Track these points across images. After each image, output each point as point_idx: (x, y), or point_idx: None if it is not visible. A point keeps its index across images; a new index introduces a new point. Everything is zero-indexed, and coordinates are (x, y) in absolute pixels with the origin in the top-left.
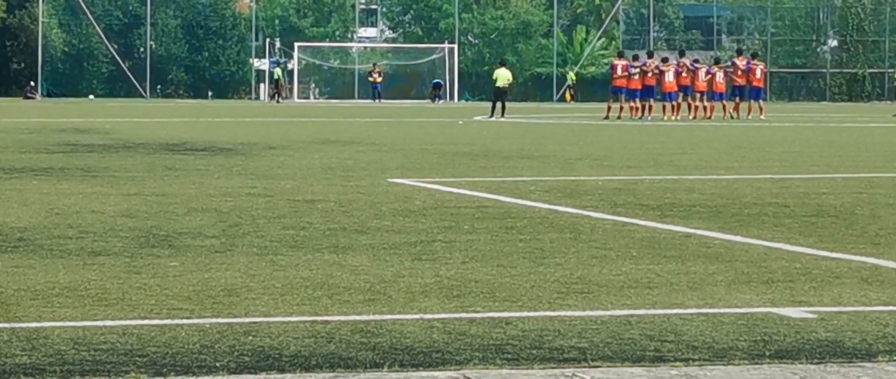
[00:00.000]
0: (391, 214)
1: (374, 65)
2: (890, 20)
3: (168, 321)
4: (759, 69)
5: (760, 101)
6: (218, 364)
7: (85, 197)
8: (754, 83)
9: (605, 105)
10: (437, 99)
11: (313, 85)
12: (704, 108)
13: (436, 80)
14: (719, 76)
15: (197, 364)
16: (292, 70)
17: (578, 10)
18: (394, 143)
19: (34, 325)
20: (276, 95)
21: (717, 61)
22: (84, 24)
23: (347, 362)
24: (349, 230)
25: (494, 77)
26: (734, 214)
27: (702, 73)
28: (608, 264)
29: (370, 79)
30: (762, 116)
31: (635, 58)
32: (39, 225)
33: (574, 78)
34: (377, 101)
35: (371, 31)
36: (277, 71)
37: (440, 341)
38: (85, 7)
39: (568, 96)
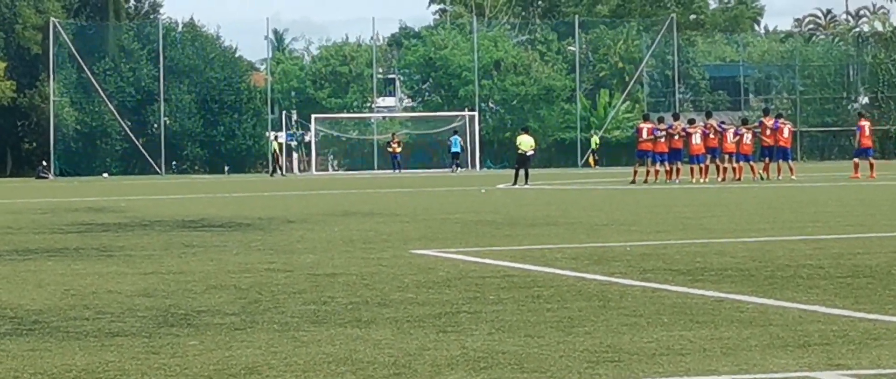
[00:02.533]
0: (414, 286)
1: (393, 135)
2: None
3: None
4: (786, 128)
5: (789, 160)
6: None
7: (101, 277)
8: (781, 143)
9: (630, 169)
10: (455, 166)
11: (331, 156)
12: (733, 169)
13: (453, 148)
14: (747, 137)
15: None
16: (310, 142)
17: (601, 74)
18: (415, 213)
19: None
20: (279, 169)
21: (744, 122)
22: (96, 102)
23: None
24: (372, 304)
25: (517, 143)
26: (767, 277)
27: (730, 135)
28: (639, 332)
29: (389, 149)
30: (792, 176)
31: (661, 120)
32: (55, 306)
33: (598, 142)
34: (397, 171)
35: (389, 101)
36: (274, 144)
37: None
38: (97, 84)
39: (592, 161)
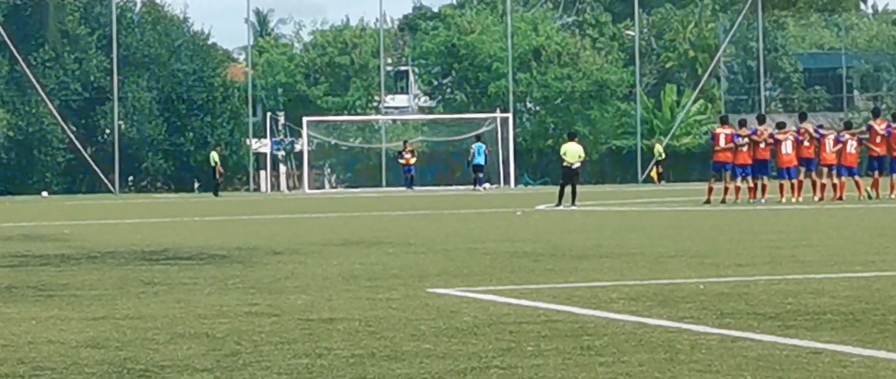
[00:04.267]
0: (433, 335)
1: (406, 142)
2: None
3: None
4: None
5: None
6: None
7: (39, 323)
8: None
9: (704, 185)
10: (479, 183)
11: (328, 170)
12: (833, 186)
13: (476, 159)
14: (852, 145)
15: None
16: (301, 152)
17: (668, 65)
18: (434, 242)
19: None
20: (214, 188)
21: (848, 126)
22: (33, 102)
23: None
24: (379, 357)
25: (562, 153)
26: (877, 323)
27: (829, 142)
28: None
29: (401, 160)
30: None
31: (743, 124)
32: None
33: (663, 152)
34: (410, 188)
35: (401, 99)
36: (213, 155)
37: None
38: (33, 79)
39: (655, 175)
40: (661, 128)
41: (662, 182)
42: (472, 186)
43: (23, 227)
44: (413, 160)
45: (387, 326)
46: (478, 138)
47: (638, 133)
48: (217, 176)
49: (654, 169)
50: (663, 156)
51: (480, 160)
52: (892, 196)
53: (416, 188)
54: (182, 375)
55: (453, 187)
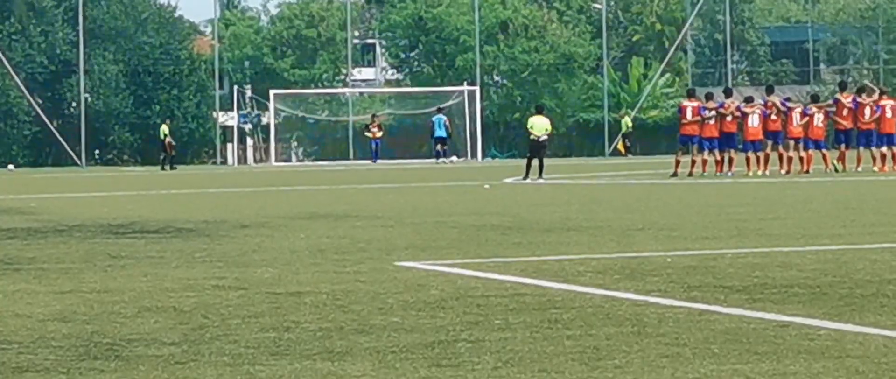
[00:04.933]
0: (400, 308)
1: (374, 116)
2: None
3: None
4: (868, 108)
5: (872, 148)
6: None
7: (6, 297)
8: (863, 126)
9: (671, 158)
10: (444, 156)
11: (295, 143)
12: (800, 159)
13: (437, 131)
14: (818, 118)
15: None
16: (268, 125)
17: (635, 38)
18: (401, 215)
19: None
20: (169, 161)
21: (815, 99)
22: None
23: None
24: (347, 330)
25: (529, 126)
26: (843, 296)
27: (796, 115)
28: (682, 365)
29: (368, 133)
30: (878, 168)
31: (709, 97)
32: None
33: (630, 125)
34: (377, 161)
35: (368, 73)
36: (163, 128)
37: None
38: None
39: (622, 148)
40: (628, 101)
41: (629, 155)
42: (434, 160)
43: None
44: (380, 134)
45: (354, 299)
46: (439, 110)
47: (605, 106)
48: (167, 149)
49: (622, 142)
50: (630, 129)
51: (441, 133)
52: (859, 169)
53: (383, 161)
54: (149, 348)
55: (420, 160)
